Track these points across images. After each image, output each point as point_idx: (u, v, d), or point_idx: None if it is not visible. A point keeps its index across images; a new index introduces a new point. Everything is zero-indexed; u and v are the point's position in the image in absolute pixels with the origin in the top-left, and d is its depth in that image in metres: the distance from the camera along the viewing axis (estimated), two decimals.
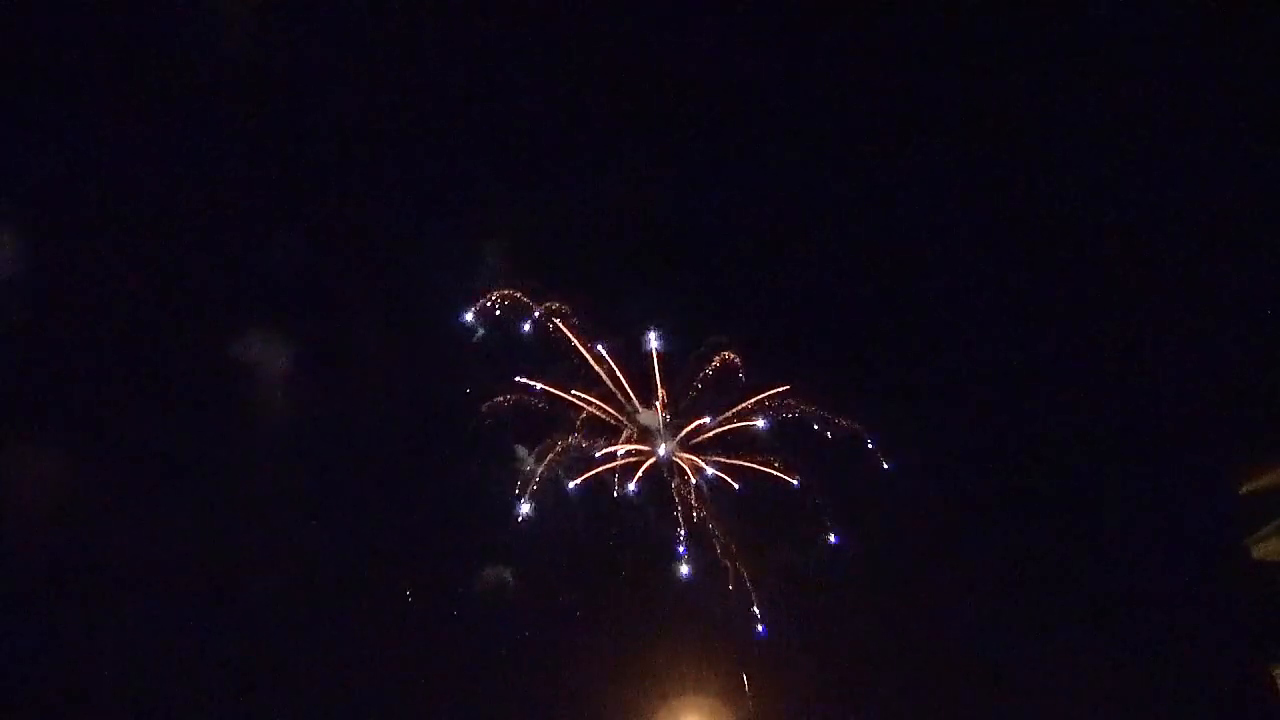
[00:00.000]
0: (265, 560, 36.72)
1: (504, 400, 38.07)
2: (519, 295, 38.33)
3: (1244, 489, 36.00)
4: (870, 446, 38.29)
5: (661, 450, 39.12)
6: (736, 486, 39.19)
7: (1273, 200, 35.94)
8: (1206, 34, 36.53)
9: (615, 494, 38.41)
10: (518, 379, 38.26)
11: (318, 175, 38.99)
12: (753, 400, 38.80)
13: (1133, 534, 37.83)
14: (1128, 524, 37.97)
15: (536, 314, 38.46)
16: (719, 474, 39.05)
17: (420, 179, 39.56)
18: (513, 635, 37.98)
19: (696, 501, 38.60)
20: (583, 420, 38.34)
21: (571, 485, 38.07)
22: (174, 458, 37.31)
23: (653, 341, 38.62)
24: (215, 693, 36.37)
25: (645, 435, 38.78)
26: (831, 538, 38.71)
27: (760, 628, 37.96)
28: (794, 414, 38.69)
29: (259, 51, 37.77)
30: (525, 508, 37.96)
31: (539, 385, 38.40)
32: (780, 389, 38.65)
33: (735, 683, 37.36)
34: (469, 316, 38.49)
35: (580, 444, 38.26)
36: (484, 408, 37.92)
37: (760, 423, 38.97)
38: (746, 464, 39.06)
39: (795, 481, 38.80)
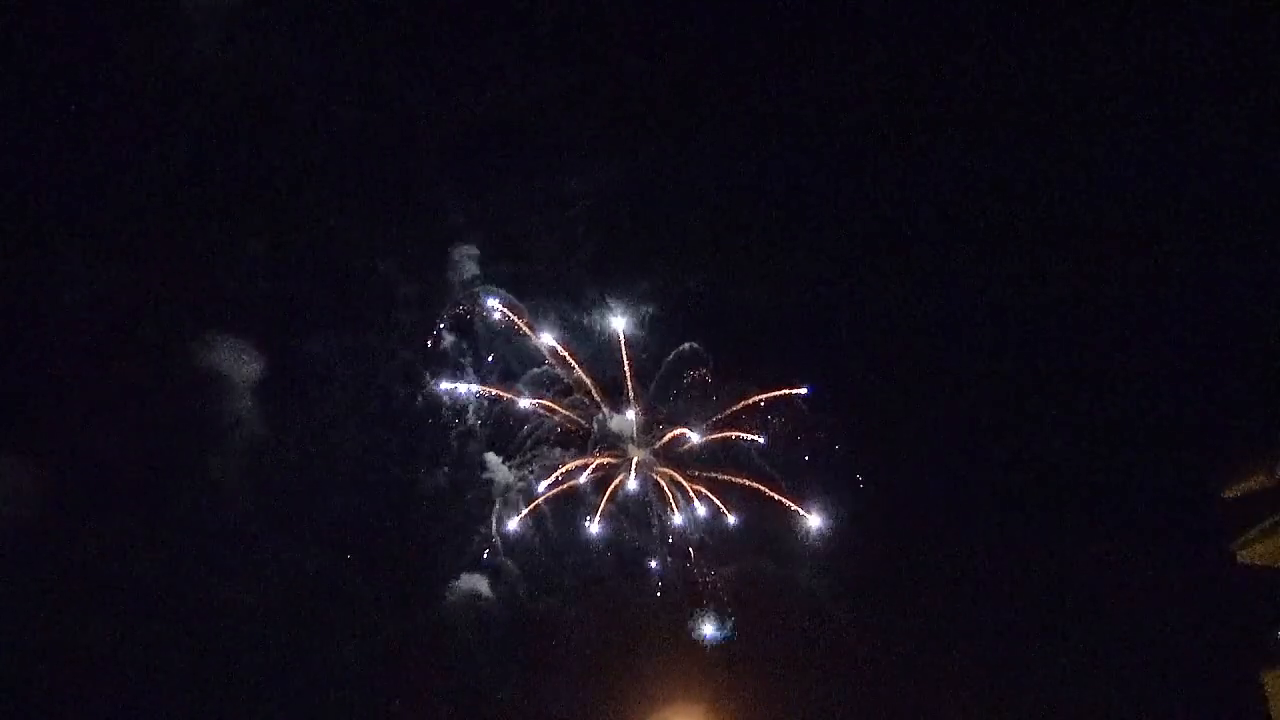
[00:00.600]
0: (233, 573, 36.81)
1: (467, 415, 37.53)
2: (486, 301, 37.95)
3: (1227, 493, 35.07)
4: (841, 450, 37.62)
5: (634, 472, 38.12)
6: (732, 520, 38.16)
7: (1257, 209, 35.38)
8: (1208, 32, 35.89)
9: (587, 523, 37.71)
10: (439, 384, 37.54)
11: (281, 184, 38.61)
12: (751, 402, 37.81)
13: (1117, 540, 37.11)
14: (1112, 530, 37.35)
15: (499, 318, 37.89)
16: (706, 494, 37.88)
17: (385, 185, 39.14)
18: (488, 645, 37.78)
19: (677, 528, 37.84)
20: (551, 428, 37.69)
21: (512, 526, 37.45)
22: (142, 470, 37.15)
23: (619, 324, 37.64)
24: (187, 706, 36.32)
25: (617, 443, 38.05)
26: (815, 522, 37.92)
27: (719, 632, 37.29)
28: (779, 425, 37.82)
29: (220, 61, 37.45)
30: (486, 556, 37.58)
31: (459, 388, 37.68)
32: (785, 392, 37.62)
33: (710, 696, 36.87)
34: (437, 323, 38.24)
35: (552, 453, 37.71)
36: (454, 422, 37.53)
37: (760, 439, 37.95)
38: (735, 480, 37.91)
39: (818, 523, 37.61)
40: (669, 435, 38.13)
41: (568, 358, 37.63)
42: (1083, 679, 36.13)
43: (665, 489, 38.12)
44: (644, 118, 38.48)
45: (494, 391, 37.79)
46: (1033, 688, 36.16)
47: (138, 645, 35.99)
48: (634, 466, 37.73)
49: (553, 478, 37.22)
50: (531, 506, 37.35)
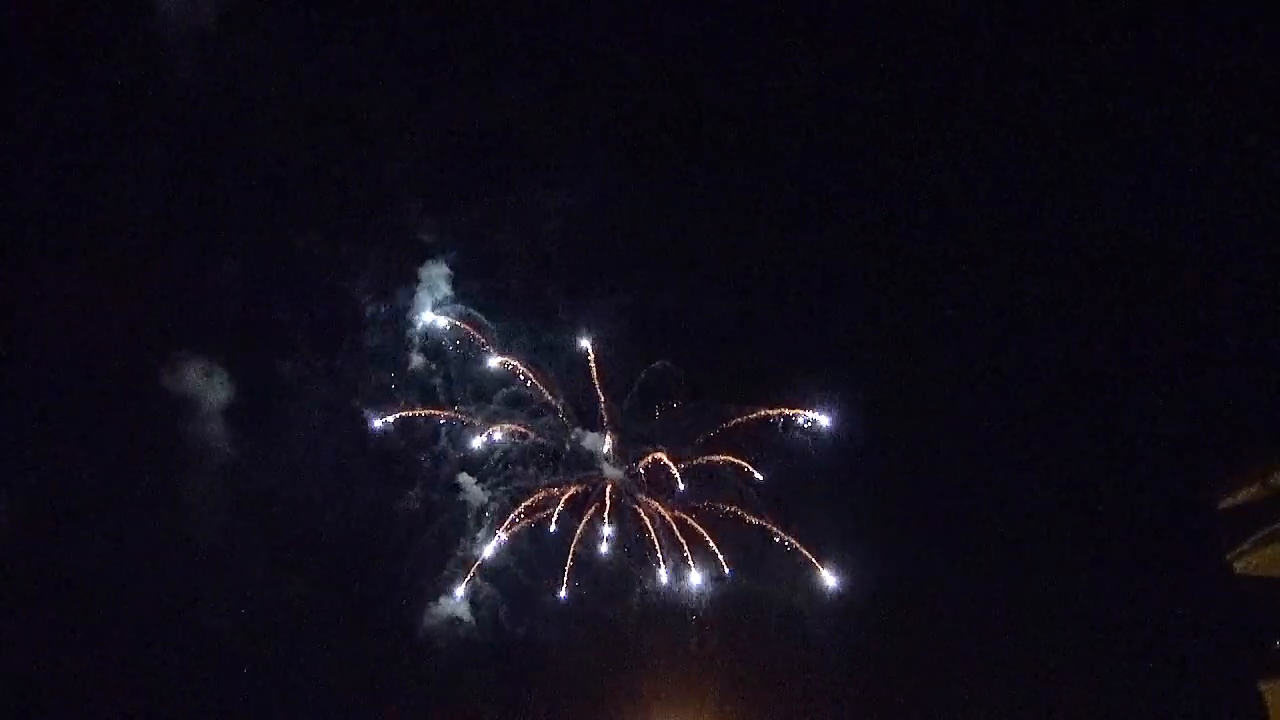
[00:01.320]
0: (205, 598, 36.43)
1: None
2: (456, 320, 37.22)
3: (1223, 504, 34.93)
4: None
5: (609, 499, 36.85)
6: (728, 571, 36.62)
7: (1256, 220, 34.67)
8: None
9: (560, 591, 36.66)
10: (373, 421, 36.66)
11: (251, 204, 38.26)
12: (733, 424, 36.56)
13: (1111, 552, 36.49)
14: (1107, 542, 36.60)
15: (464, 338, 37.22)
16: (694, 524, 36.35)
17: (355, 204, 38.48)
18: (470, 669, 37.09)
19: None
20: (524, 449, 36.91)
21: (487, 552, 36.50)
22: (111, 493, 36.74)
23: (588, 341, 36.72)
24: None
25: (591, 464, 37.25)
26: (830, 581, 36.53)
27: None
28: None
29: (190, 81, 37.27)
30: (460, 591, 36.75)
31: (390, 419, 36.78)
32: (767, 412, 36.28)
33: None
34: (408, 342, 37.67)
35: (526, 473, 36.92)
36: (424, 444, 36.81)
37: (755, 472, 36.46)
38: (727, 512, 36.41)
39: (836, 583, 36.12)
40: (645, 459, 37.18)
41: (529, 376, 36.88)
42: (1080, 690, 35.38)
43: (646, 523, 36.99)
44: (618, 131, 37.98)
45: (437, 414, 37.00)
46: (1031, 698, 35.63)
47: (110, 672, 35.66)
48: (608, 493, 36.69)
49: (518, 510, 36.35)
50: (474, 569, 36.60)
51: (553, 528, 36.50)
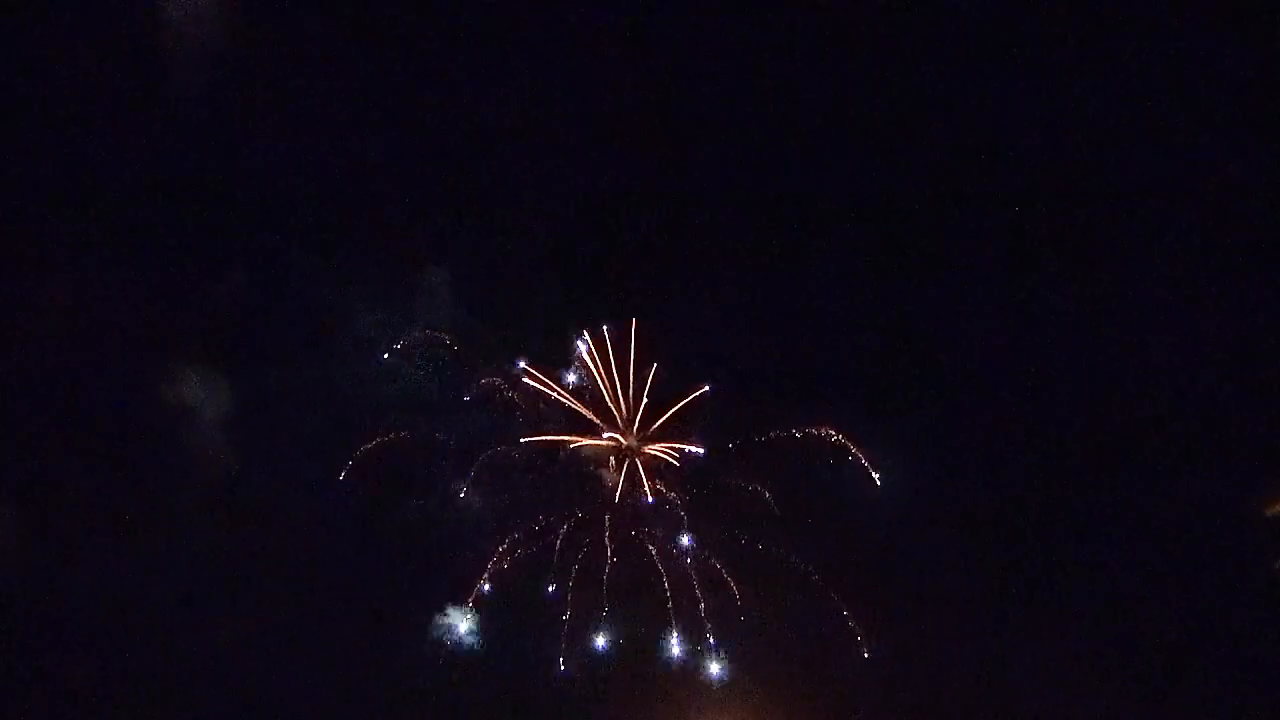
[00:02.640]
0: (204, 609, 36.15)
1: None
2: (446, 335, 36.81)
3: (1270, 512, 34.11)
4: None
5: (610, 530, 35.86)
6: (742, 615, 35.55)
7: None
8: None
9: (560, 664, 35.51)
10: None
11: (249, 216, 38.22)
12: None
13: (1157, 561, 35.51)
14: (1152, 552, 35.63)
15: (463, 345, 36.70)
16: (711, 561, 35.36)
17: (353, 212, 38.38)
18: (473, 684, 36.34)
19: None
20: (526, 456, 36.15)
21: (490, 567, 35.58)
22: (111, 505, 36.53)
23: (583, 345, 36.08)
24: None
25: (593, 473, 36.39)
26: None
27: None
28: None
29: (190, 97, 37.37)
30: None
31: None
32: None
33: None
34: (402, 352, 37.28)
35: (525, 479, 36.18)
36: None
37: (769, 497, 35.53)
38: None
39: (868, 653, 34.87)
40: (653, 483, 36.20)
41: (528, 382, 36.18)
42: (1121, 697, 34.48)
43: (653, 560, 35.88)
44: (616, 130, 37.47)
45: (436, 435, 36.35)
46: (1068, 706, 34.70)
47: (107, 683, 35.57)
48: (608, 522, 35.74)
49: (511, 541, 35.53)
50: (476, 587, 35.82)
51: (551, 587, 35.78)
